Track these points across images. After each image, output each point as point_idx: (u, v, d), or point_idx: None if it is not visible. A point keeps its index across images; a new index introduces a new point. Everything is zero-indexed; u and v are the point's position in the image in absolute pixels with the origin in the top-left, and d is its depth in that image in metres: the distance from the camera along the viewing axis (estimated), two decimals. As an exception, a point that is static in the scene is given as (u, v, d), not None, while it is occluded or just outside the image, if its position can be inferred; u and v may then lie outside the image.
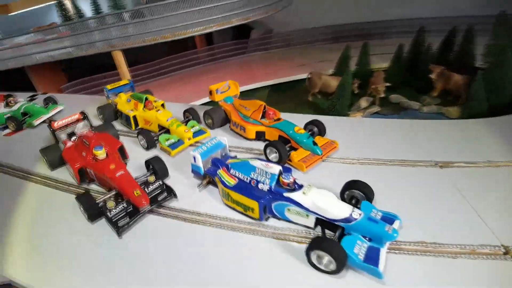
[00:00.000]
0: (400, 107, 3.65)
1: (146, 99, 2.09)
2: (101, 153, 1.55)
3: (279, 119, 1.86)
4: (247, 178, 1.37)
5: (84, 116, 1.91)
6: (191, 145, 1.89)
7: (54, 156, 1.78)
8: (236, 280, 1.12)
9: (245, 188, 1.34)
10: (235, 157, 1.63)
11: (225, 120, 2.10)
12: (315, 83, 3.64)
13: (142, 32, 3.68)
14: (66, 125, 1.85)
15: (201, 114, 2.14)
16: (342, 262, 1.05)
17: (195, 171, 1.57)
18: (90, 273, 1.21)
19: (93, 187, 1.66)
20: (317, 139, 1.76)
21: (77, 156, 1.65)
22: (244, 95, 2.19)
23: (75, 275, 1.21)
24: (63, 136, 1.86)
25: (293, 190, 1.26)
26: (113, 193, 1.46)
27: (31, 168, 1.88)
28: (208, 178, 1.53)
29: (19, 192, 1.72)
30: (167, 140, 1.86)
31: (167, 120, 1.94)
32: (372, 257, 1.08)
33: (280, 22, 5.54)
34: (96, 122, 2.29)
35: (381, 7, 5.19)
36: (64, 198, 1.61)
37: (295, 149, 1.70)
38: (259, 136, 1.88)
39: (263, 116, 1.91)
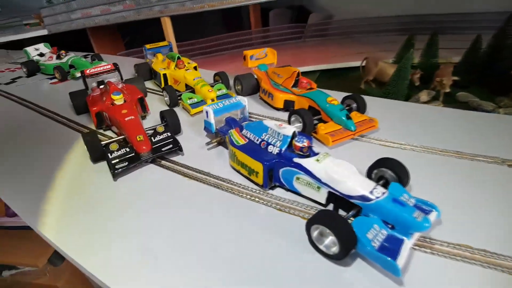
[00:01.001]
0: (469, 107, 3.11)
1: (179, 58, 2.02)
2: (118, 99, 1.52)
3: (311, 89, 1.64)
4: (257, 139, 1.19)
5: (116, 67, 1.89)
6: (213, 107, 1.77)
7: (81, 101, 1.80)
8: (222, 243, 0.95)
9: (253, 149, 1.17)
10: (254, 122, 1.47)
11: (256, 89, 1.94)
12: (370, 70, 3.28)
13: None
14: (98, 74, 1.86)
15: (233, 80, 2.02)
16: (347, 245, 0.82)
17: (207, 128, 1.44)
18: (82, 210, 1.15)
19: (109, 134, 1.63)
20: (354, 114, 1.50)
21: (98, 101, 1.63)
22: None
23: (67, 207, 1.17)
24: (94, 84, 1.87)
25: (307, 157, 1.06)
26: (121, 137, 1.40)
27: (61, 112, 1.96)
28: (219, 137, 1.39)
29: (44, 130, 1.81)
30: (190, 98, 1.76)
31: (194, 79, 1.84)
32: (390, 248, 0.83)
33: (341, 9, 5.14)
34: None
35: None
36: (77, 139, 1.61)
37: (325, 123, 1.48)
38: (288, 105, 1.68)
39: (295, 85, 1.71)
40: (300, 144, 1.05)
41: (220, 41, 5.22)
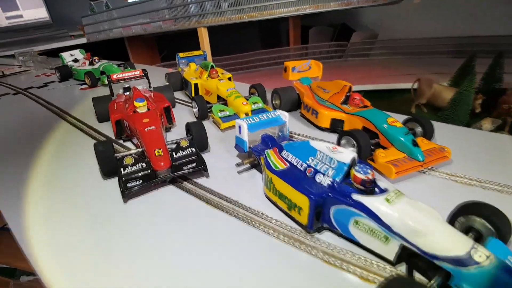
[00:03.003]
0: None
1: (212, 67, 1.85)
2: (141, 106, 1.34)
3: (366, 107, 1.37)
4: (302, 164, 0.94)
5: (144, 74, 1.75)
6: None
7: (104, 107, 1.66)
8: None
9: (296, 176, 0.91)
10: (295, 142, 1.22)
11: (296, 105, 1.70)
12: (423, 92, 2.93)
13: (232, 9, 3.54)
14: (125, 79, 1.72)
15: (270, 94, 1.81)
16: None
17: (238, 145, 1.20)
18: (87, 230, 0.97)
19: (129, 146, 1.45)
20: (420, 141, 1.20)
21: (120, 108, 1.47)
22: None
23: (72, 227, 0.99)
24: (120, 90, 1.73)
25: (370, 193, 0.79)
26: (139, 150, 1.20)
27: (83, 118, 1.85)
28: (252, 157, 1.15)
29: (60, 135, 1.70)
30: (221, 111, 1.55)
31: (227, 90, 1.64)
32: None
33: (388, 28, 4.85)
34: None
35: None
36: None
37: (384, 148, 1.19)
38: (336, 125, 1.42)
39: (345, 102, 1.45)
40: (362, 176, 0.78)
41: (257, 57, 5.10)
